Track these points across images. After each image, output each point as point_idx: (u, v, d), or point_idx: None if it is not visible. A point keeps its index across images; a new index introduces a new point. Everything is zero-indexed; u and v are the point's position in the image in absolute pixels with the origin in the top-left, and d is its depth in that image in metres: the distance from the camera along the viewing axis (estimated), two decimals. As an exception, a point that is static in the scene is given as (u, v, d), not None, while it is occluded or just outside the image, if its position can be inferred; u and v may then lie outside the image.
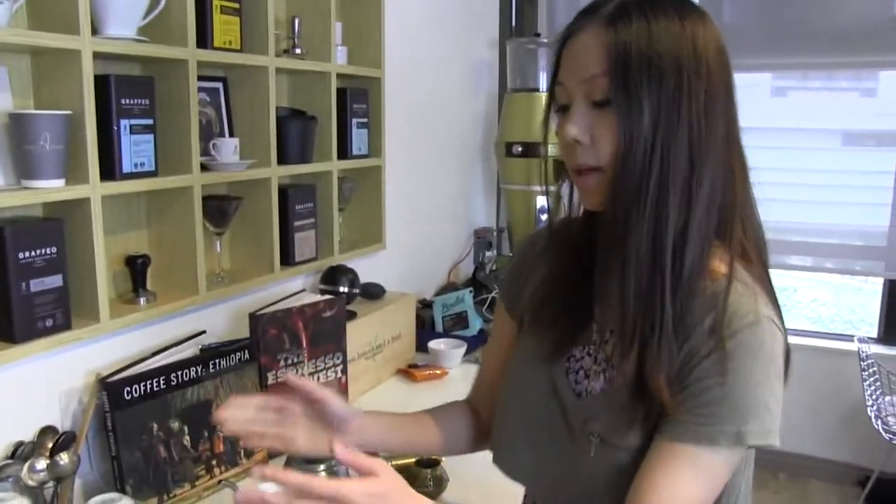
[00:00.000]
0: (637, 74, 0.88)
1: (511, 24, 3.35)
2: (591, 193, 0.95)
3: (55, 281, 1.38)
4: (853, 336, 3.38)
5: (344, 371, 1.92)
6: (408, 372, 2.29)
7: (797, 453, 3.58)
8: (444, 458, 1.59)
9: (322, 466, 1.39)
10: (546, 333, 1.06)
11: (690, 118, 0.90)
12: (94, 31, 1.43)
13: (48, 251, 1.36)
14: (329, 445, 1.01)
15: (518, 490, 1.29)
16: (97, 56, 1.41)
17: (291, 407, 1.10)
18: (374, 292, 2.28)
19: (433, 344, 2.38)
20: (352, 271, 2.16)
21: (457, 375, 2.32)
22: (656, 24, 0.89)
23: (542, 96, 2.97)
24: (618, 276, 0.93)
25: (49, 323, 1.37)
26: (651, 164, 0.89)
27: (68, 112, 1.38)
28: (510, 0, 3.32)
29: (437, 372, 2.29)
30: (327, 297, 1.88)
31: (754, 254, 0.99)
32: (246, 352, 1.67)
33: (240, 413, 1.09)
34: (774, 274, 1.03)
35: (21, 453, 1.35)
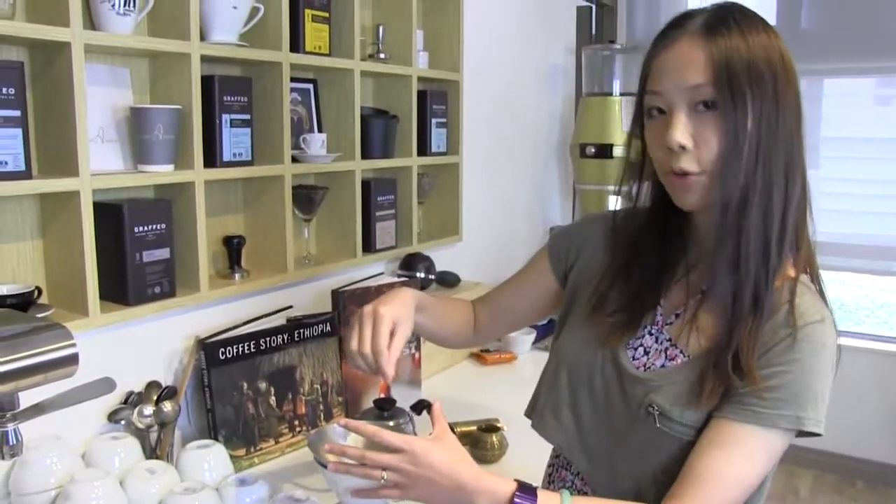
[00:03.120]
0: (741, 82, 0.95)
1: (590, 30, 3.46)
2: (690, 194, 1.01)
3: (163, 253, 1.58)
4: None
5: (418, 348, 2.08)
6: (479, 356, 2.44)
7: (876, 461, 3.54)
8: (505, 425, 1.73)
9: (391, 423, 1.55)
10: (610, 318, 1.13)
11: (786, 122, 1.00)
12: (202, 37, 1.64)
13: (158, 227, 1.57)
14: None
15: None
16: (204, 59, 1.62)
17: None
18: (449, 280, 2.44)
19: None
20: (428, 259, 2.32)
21: (526, 360, 2.46)
22: (750, 35, 0.98)
23: (616, 100, 3.08)
24: (726, 266, 1.01)
25: (157, 290, 1.58)
26: (757, 163, 0.97)
27: (179, 107, 1.59)
28: (589, 8, 3.42)
29: (507, 356, 2.43)
30: (403, 279, 2.05)
31: (809, 264, 1.08)
32: (328, 324, 1.85)
33: None
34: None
35: (132, 400, 1.56)
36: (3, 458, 0.95)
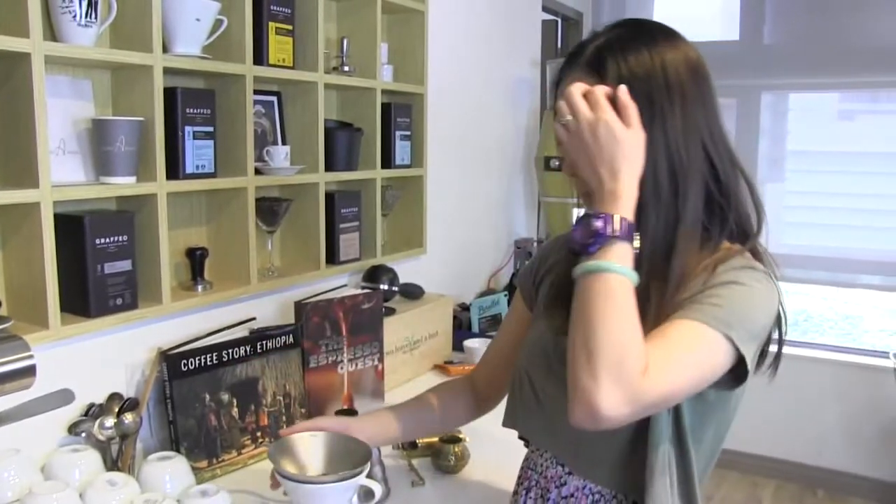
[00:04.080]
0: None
1: (556, 44, 3.51)
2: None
3: (125, 265, 1.58)
4: (889, 353, 3.43)
5: (380, 360, 2.09)
6: (444, 367, 2.45)
7: (836, 470, 3.61)
8: (466, 437, 1.75)
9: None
10: (557, 314, 1.21)
11: (667, 138, 1.08)
12: (165, 49, 1.64)
13: (120, 239, 1.57)
14: None
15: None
16: (166, 71, 1.62)
17: None
18: (413, 292, 2.45)
19: (469, 342, 2.54)
20: (392, 271, 2.34)
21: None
22: (626, 64, 1.08)
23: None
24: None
25: (119, 301, 1.58)
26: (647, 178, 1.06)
27: (141, 119, 1.59)
28: (555, 21, 3.48)
29: (470, 368, 2.44)
30: (367, 290, 2.06)
31: (748, 229, 1.15)
32: (291, 336, 1.86)
33: None
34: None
35: (93, 412, 1.56)
36: (-40, 470, 0.95)
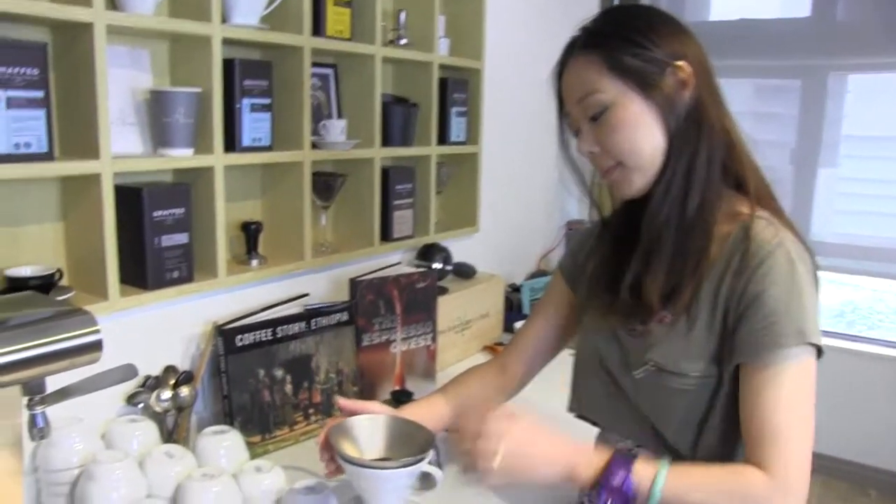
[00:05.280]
0: (625, 79, 1.10)
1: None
2: (621, 185, 1.16)
3: (182, 238, 1.57)
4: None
5: (433, 339, 2.07)
6: (493, 349, 2.42)
7: (890, 470, 3.50)
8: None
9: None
10: (603, 298, 1.25)
11: (671, 110, 1.11)
12: (223, 19, 1.62)
13: (177, 212, 1.56)
14: None
15: None
16: (225, 42, 1.60)
17: None
18: (465, 271, 2.42)
19: (519, 325, 2.50)
20: (445, 250, 2.31)
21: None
22: (622, 40, 1.12)
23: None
24: (659, 221, 1.14)
25: (175, 274, 1.57)
26: (661, 137, 1.11)
27: (199, 90, 1.57)
28: (612, -2, 3.39)
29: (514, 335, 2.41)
30: (421, 269, 2.03)
31: (769, 198, 1.18)
32: (345, 314, 1.84)
33: None
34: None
35: (149, 384, 1.56)
36: (32, 439, 0.95)
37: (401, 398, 1.78)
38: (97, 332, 0.89)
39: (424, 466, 1.18)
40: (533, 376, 1.48)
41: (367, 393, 1.93)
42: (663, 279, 1.14)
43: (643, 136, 1.11)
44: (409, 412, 1.32)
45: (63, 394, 0.92)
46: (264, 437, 1.69)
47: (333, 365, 1.83)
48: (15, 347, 0.82)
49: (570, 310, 1.41)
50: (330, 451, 1.22)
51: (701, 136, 1.12)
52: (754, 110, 3.64)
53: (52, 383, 0.95)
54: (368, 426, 1.25)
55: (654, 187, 1.13)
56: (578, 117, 1.16)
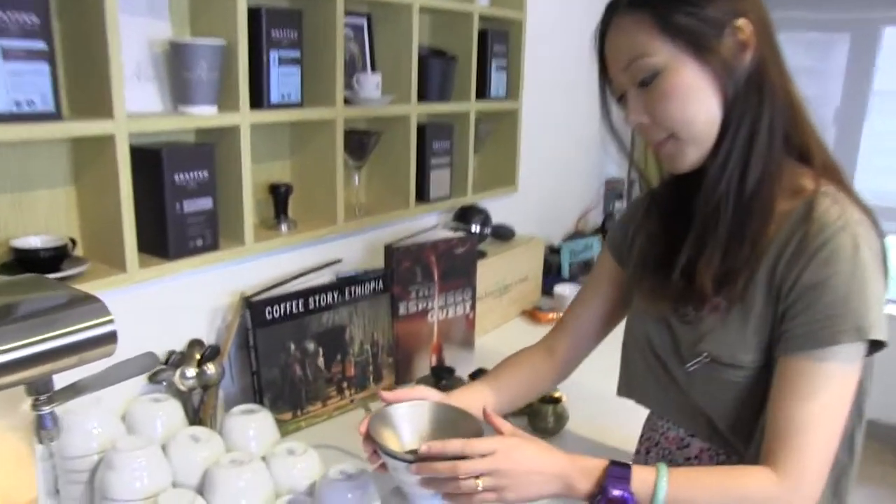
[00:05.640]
0: (677, 41, 0.97)
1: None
2: (673, 159, 1.04)
3: (206, 203, 1.46)
4: None
5: (472, 307, 1.95)
6: (533, 314, 2.31)
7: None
8: (564, 395, 1.61)
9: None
10: (652, 281, 1.15)
11: (731, 72, 0.98)
12: (248, -37, 1.48)
13: (200, 174, 1.44)
14: None
15: (631, 429, 1.39)
16: (250, -12, 1.46)
17: None
18: (504, 234, 2.30)
19: (559, 288, 2.38)
20: (483, 212, 2.18)
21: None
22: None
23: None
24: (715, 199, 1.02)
25: (199, 242, 1.46)
26: (717, 104, 0.99)
27: (223, 42, 1.44)
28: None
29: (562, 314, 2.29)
30: (460, 234, 1.91)
31: (835, 171, 1.05)
32: (380, 281, 1.72)
33: None
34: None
35: (173, 360, 1.45)
36: (40, 442, 0.84)
37: (441, 375, 1.67)
38: (110, 322, 0.78)
39: None
40: (583, 359, 1.37)
41: (403, 364, 1.82)
42: (718, 263, 1.02)
43: (698, 104, 0.99)
44: (453, 400, 1.21)
45: (73, 391, 0.82)
46: (296, 413, 1.59)
47: (368, 336, 1.72)
48: (16, 344, 0.71)
49: (619, 288, 1.30)
50: (372, 444, 1.12)
51: (762, 103, 0.99)
52: (799, 66, 3.45)
53: (61, 378, 0.84)
54: (410, 414, 1.13)
55: (710, 161, 1.01)
56: (625, 83, 1.04)
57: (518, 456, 0.96)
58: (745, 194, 1.00)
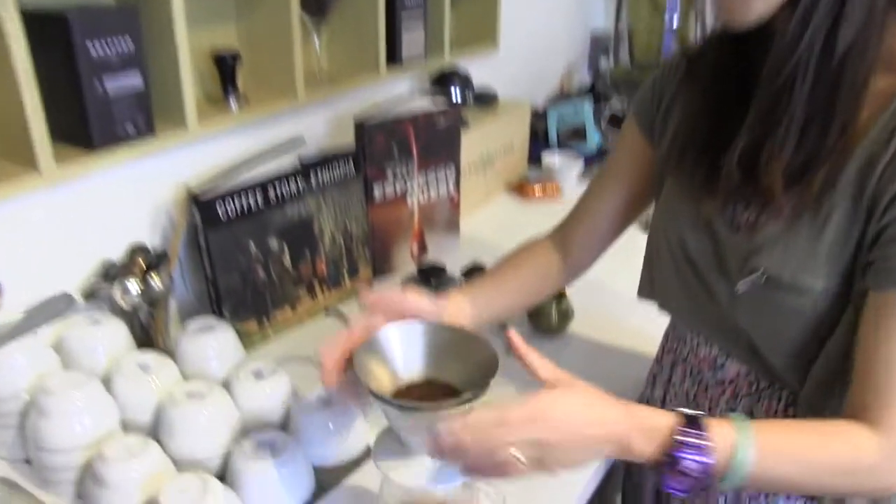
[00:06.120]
0: None
1: None
2: (732, 8, 0.78)
3: (133, 79, 1.18)
4: None
5: (456, 186, 1.72)
6: (520, 187, 2.09)
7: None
8: (568, 290, 1.41)
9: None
10: (693, 171, 0.91)
11: None
12: None
13: (123, 44, 1.15)
14: None
15: (649, 332, 1.23)
16: None
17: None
18: (486, 100, 2.04)
19: (547, 157, 2.16)
20: (464, 76, 1.91)
21: (573, 195, 2.09)
22: None
23: None
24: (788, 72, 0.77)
25: (130, 128, 1.19)
26: None
27: None
28: None
29: (552, 188, 2.07)
30: (441, 104, 1.64)
31: None
32: (350, 163, 1.48)
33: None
34: None
35: (111, 273, 1.22)
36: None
37: (429, 275, 1.44)
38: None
39: (489, 397, 0.86)
40: (600, 254, 1.17)
41: (380, 257, 1.60)
42: (791, 153, 0.78)
43: None
44: (453, 310, 1.00)
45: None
46: (262, 323, 1.38)
47: (340, 227, 1.49)
48: None
49: (647, 170, 1.07)
50: (348, 378, 0.90)
51: None
52: None
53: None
54: (403, 340, 0.92)
55: (783, 14, 0.75)
56: None
57: (562, 416, 0.73)
58: (832, 61, 0.75)
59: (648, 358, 1.23)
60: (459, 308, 1.02)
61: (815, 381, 0.85)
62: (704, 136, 0.89)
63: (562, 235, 1.16)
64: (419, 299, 0.95)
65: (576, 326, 1.42)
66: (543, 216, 1.98)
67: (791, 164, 0.79)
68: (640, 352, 1.34)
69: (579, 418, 0.73)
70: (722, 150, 0.85)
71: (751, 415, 0.96)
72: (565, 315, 1.41)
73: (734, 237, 0.89)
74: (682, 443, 0.73)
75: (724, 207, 0.89)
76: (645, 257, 1.08)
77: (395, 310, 0.92)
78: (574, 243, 1.14)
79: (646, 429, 0.75)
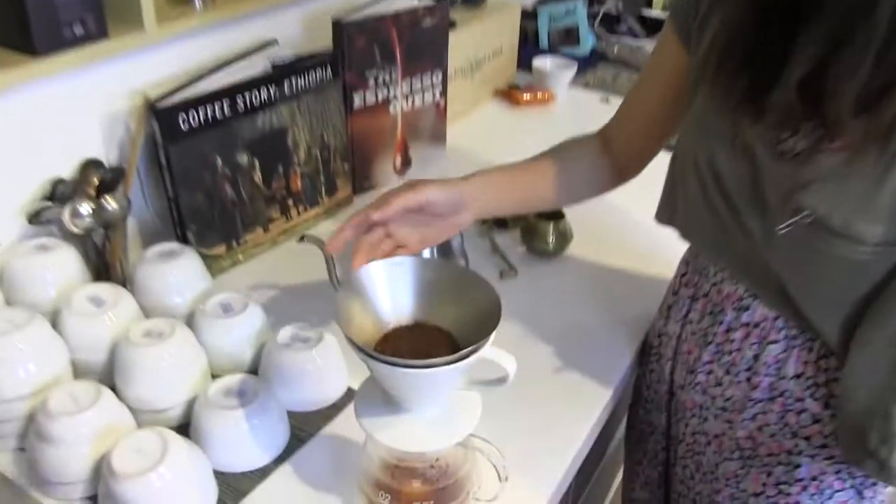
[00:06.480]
0: None
1: None
2: None
3: (81, -28, 1.03)
4: None
5: (443, 93, 1.59)
6: (509, 94, 1.95)
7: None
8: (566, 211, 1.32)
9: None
10: (732, 85, 0.79)
11: None
12: None
13: (65, -73, 1.00)
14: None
15: (660, 257, 1.19)
16: None
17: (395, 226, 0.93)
18: (474, -3, 1.88)
19: (538, 62, 2.01)
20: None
21: (565, 102, 1.98)
22: None
23: None
24: None
25: (79, 30, 1.05)
26: None
27: None
28: None
29: (543, 96, 1.94)
30: (426, 0, 1.49)
31: None
32: (328, 68, 1.34)
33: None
34: None
35: (60, 193, 1.10)
36: None
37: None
38: None
39: (491, 354, 0.77)
40: (647, 161, 1.06)
41: (361, 171, 1.49)
42: (866, 76, 0.66)
43: None
44: (467, 191, 0.95)
45: None
46: (230, 246, 1.27)
47: (316, 139, 1.37)
48: None
49: (684, 79, 0.94)
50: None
51: None
52: None
53: None
54: (389, 277, 0.82)
55: None
56: None
57: None
58: None
59: (659, 286, 1.14)
60: (481, 193, 0.97)
61: (860, 344, 0.76)
62: (748, 46, 0.76)
63: (605, 139, 1.07)
64: (433, 189, 0.91)
65: (575, 249, 1.33)
66: (535, 124, 1.90)
67: (864, 90, 0.67)
68: (650, 278, 1.25)
69: None
70: (768, 63, 0.73)
71: (778, 364, 0.88)
72: (563, 236, 1.31)
73: (778, 167, 0.77)
74: None
75: (768, 131, 0.77)
76: (667, 178, 0.98)
77: (410, 206, 0.89)
78: (618, 148, 1.06)
79: None
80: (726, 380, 0.94)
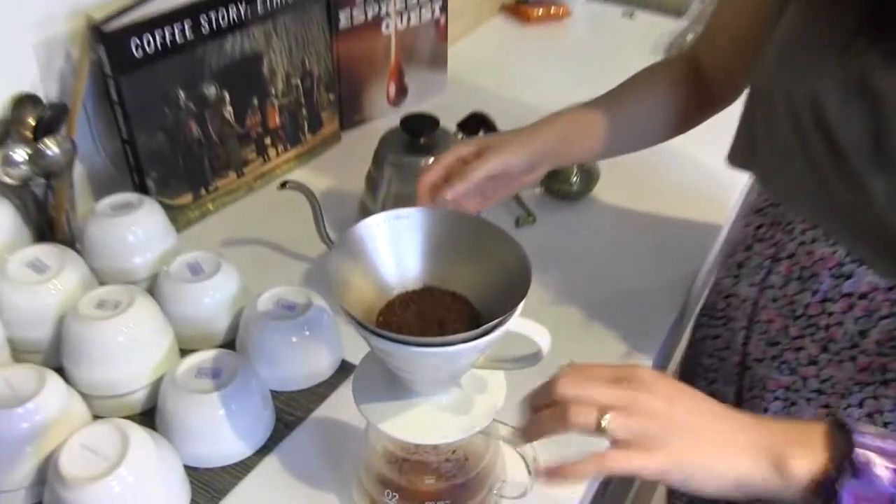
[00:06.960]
0: None
1: None
2: None
3: None
4: None
5: (443, 8, 1.40)
6: (518, 9, 1.77)
7: None
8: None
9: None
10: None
11: None
12: None
13: None
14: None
15: (706, 199, 1.05)
16: None
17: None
18: None
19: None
20: None
21: (582, 18, 1.78)
22: None
23: None
24: None
25: (-4, -67, 0.86)
26: None
27: None
28: None
29: (557, 10, 1.75)
30: None
31: None
32: (308, -19, 1.15)
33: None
34: None
35: (-12, 137, 0.92)
36: None
37: (415, 127, 1.11)
38: None
39: (519, 326, 0.61)
40: (741, 88, 0.89)
41: (348, 103, 1.31)
42: None
43: None
44: (535, 145, 0.86)
45: None
46: (198, 194, 1.10)
47: (297, 65, 1.19)
48: None
49: None
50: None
51: None
52: None
53: None
54: (392, 234, 0.65)
55: None
56: None
57: (700, 400, 0.54)
58: None
59: (706, 234, 1.00)
60: (560, 147, 0.88)
61: None
62: None
63: (693, 62, 0.93)
64: (511, 154, 0.84)
65: (602, 190, 1.17)
66: (548, 44, 1.70)
67: None
68: (694, 224, 1.10)
69: (711, 406, 0.54)
70: None
71: (893, 343, 0.72)
72: (589, 174, 1.15)
73: None
74: (863, 449, 0.50)
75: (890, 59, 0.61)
76: (744, 113, 0.81)
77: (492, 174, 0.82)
78: (711, 72, 0.92)
79: (809, 441, 0.53)
80: (823, 358, 0.77)
